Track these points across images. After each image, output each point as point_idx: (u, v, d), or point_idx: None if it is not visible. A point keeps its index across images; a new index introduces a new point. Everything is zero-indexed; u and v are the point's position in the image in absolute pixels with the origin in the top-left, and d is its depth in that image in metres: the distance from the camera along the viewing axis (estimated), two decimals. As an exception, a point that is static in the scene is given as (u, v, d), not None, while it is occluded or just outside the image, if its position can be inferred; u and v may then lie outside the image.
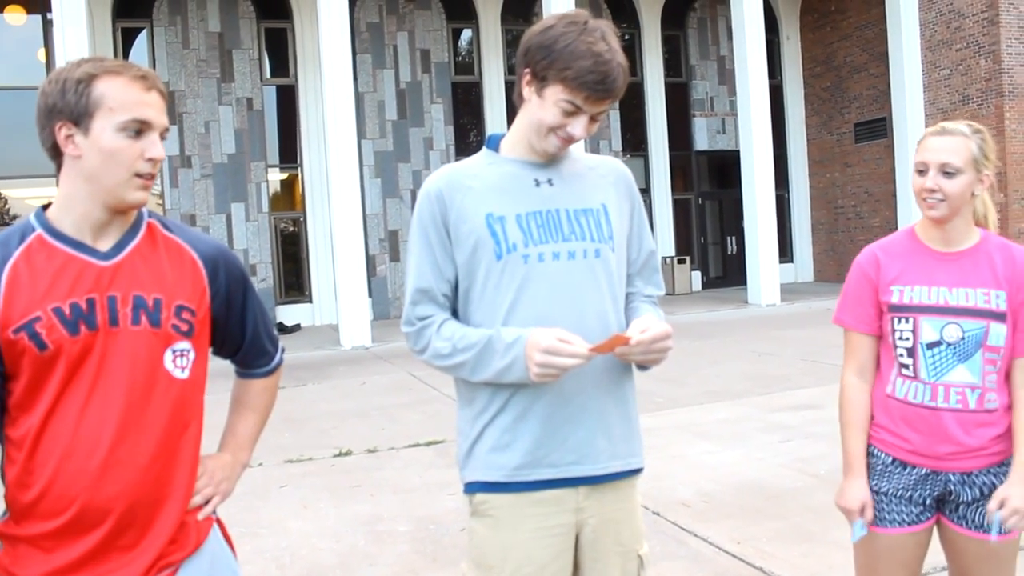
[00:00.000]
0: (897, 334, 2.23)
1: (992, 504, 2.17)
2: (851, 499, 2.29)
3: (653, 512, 4.84)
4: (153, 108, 1.64)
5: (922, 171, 2.20)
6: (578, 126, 1.83)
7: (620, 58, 1.81)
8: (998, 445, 2.20)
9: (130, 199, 1.64)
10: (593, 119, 1.85)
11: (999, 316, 2.16)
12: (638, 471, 2.01)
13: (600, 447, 1.91)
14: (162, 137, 1.67)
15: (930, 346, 2.18)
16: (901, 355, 2.23)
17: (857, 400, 2.32)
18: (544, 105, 1.83)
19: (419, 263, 1.93)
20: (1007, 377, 2.23)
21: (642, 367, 1.96)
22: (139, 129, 1.62)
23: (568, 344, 1.74)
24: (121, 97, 1.60)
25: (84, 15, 13.19)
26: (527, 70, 1.86)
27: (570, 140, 1.86)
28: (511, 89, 2.02)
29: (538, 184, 1.93)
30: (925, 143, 2.22)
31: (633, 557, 1.99)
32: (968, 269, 2.21)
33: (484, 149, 2.01)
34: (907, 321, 2.21)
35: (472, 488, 1.94)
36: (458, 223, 1.89)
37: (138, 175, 1.63)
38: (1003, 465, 2.21)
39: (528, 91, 1.87)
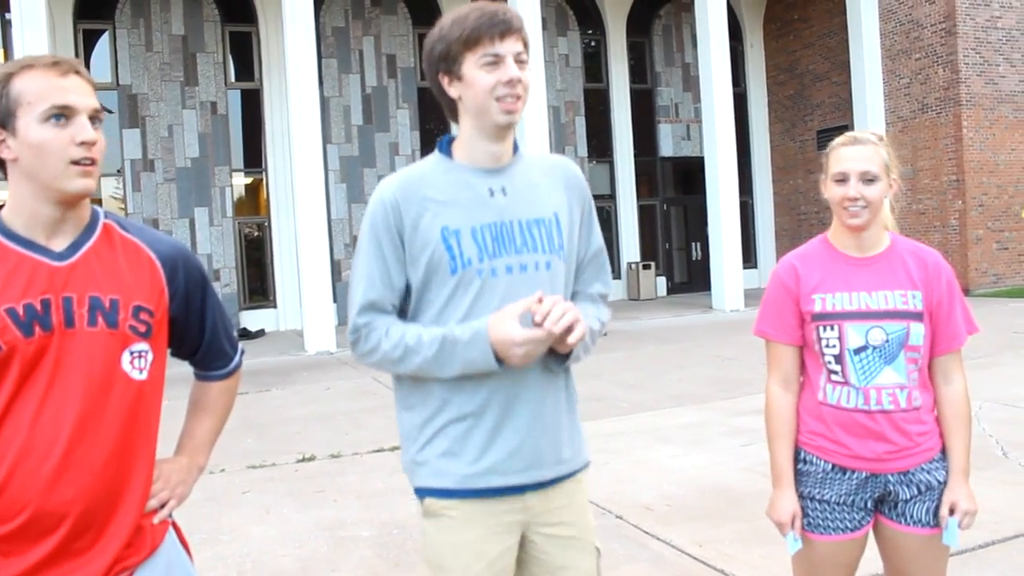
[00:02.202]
0: (823, 342, 2.26)
1: (944, 510, 2.24)
2: (783, 512, 2.31)
3: (616, 516, 4.87)
4: (73, 92, 1.60)
5: (842, 181, 2.24)
6: (508, 70, 1.84)
7: (500, 3, 1.88)
8: (928, 441, 2.27)
9: (72, 188, 1.61)
10: (519, 62, 1.87)
11: (917, 316, 2.23)
12: (583, 468, 2.05)
13: (547, 453, 1.94)
14: (98, 119, 1.63)
15: (857, 351, 2.22)
16: (829, 362, 2.26)
17: (783, 412, 2.35)
18: (471, 80, 1.86)
19: (369, 273, 1.91)
20: (926, 375, 2.31)
21: (566, 358, 1.95)
22: (63, 115, 1.59)
23: (528, 329, 1.78)
24: (36, 88, 1.58)
25: (44, 16, 13.01)
26: (440, 73, 1.90)
27: (515, 96, 1.86)
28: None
29: (492, 194, 1.92)
30: (839, 153, 2.26)
31: (591, 549, 2.02)
32: (884, 272, 2.27)
33: (436, 153, 1.99)
34: (832, 328, 2.24)
35: (422, 493, 1.96)
36: (412, 235, 1.89)
37: (74, 162, 1.59)
38: (934, 461, 2.28)
39: (454, 89, 1.90)
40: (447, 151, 1.98)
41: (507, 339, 1.77)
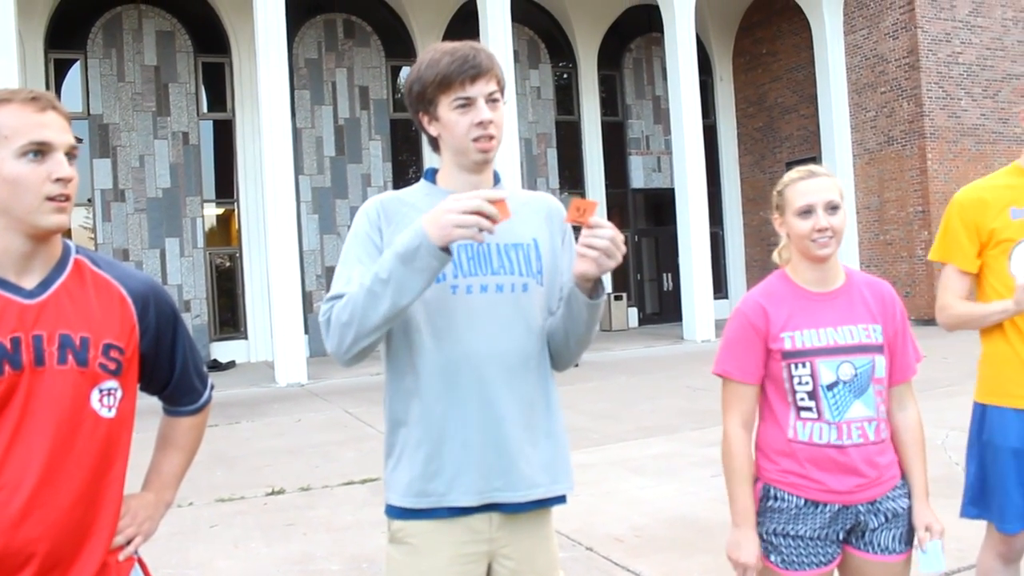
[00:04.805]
0: (795, 379, 2.26)
1: (921, 533, 2.27)
2: (749, 553, 2.27)
3: (586, 547, 4.87)
4: (51, 128, 1.60)
5: (808, 213, 2.26)
6: (480, 112, 1.89)
7: (473, 44, 1.93)
8: (893, 470, 2.31)
9: (46, 224, 1.61)
10: (491, 102, 1.91)
11: (879, 349, 2.27)
12: (558, 500, 2.02)
13: (522, 474, 1.93)
14: (72, 155, 1.64)
15: (830, 387, 2.24)
16: (802, 399, 2.26)
17: (743, 452, 2.32)
18: (446, 122, 1.92)
19: (350, 272, 1.90)
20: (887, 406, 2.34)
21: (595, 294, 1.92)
22: (40, 152, 1.59)
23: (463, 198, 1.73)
24: (14, 123, 1.58)
25: (15, 45, 12.96)
26: (419, 113, 1.97)
27: (488, 136, 1.91)
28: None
29: None
30: (800, 188, 2.28)
31: None
32: (845, 307, 2.30)
33: (422, 180, 2.06)
34: (804, 366, 2.25)
35: (391, 512, 1.96)
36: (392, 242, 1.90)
37: (49, 198, 1.59)
38: (896, 488, 2.31)
39: (433, 128, 1.96)
40: (432, 179, 2.05)
41: (439, 206, 1.73)
